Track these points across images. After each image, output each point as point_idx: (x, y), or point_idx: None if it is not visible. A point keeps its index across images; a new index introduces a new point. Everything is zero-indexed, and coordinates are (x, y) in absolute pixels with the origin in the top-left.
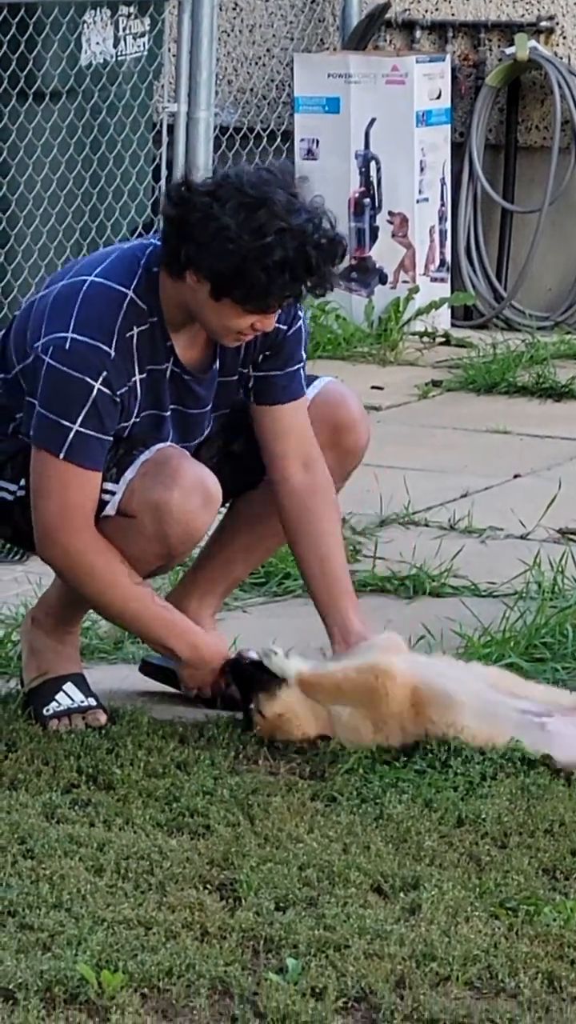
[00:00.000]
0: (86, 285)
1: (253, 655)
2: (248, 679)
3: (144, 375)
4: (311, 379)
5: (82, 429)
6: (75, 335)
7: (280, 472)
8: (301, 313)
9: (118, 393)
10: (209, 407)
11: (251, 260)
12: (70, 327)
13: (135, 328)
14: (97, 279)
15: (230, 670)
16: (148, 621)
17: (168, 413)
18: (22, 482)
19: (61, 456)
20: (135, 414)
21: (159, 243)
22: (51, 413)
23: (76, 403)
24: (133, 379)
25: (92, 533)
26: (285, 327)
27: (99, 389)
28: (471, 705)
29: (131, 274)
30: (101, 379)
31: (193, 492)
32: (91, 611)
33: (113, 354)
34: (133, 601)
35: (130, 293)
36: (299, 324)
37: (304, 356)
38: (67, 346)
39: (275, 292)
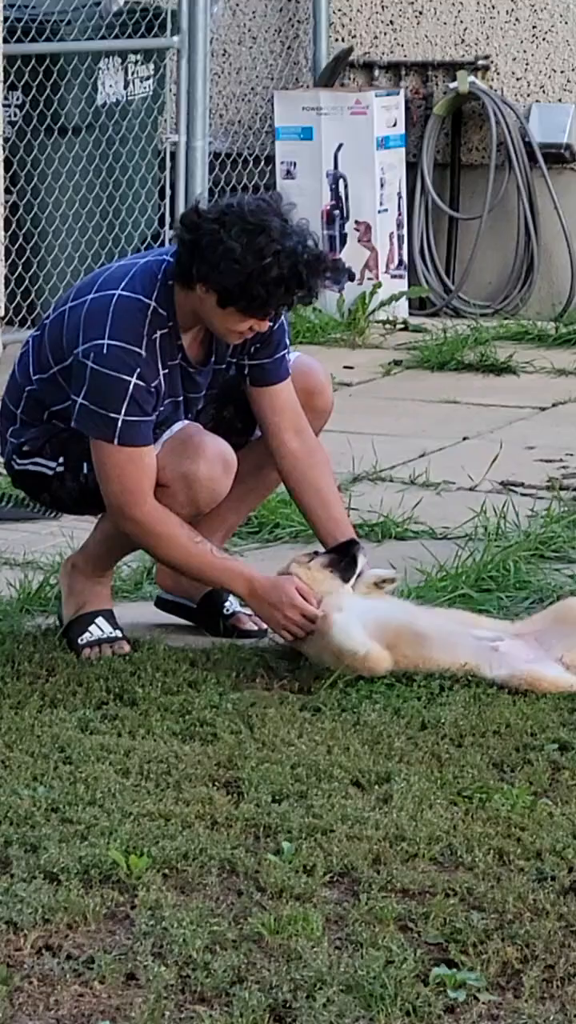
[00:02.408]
0: (115, 299)
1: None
2: None
3: (166, 371)
4: None
5: (127, 417)
6: (110, 341)
7: (278, 440)
8: (284, 309)
9: (152, 385)
10: (204, 391)
11: (253, 278)
12: (106, 335)
13: (158, 332)
14: (124, 292)
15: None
16: (209, 571)
17: (180, 398)
18: (60, 459)
19: (116, 443)
20: (162, 403)
21: (171, 259)
22: (98, 408)
23: (118, 397)
24: (161, 373)
25: (152, 505)
26: (271, 322)
27: (135, 383)
28: (436, 638)
29: (152, 287)
30: (136, 375)
31: (216, 461)
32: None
33: (144, 354)
34: (195, 558)
35: (152, 303)
36: (282, 318)
37: (288, 343)
38: (105, 351)
39: (273, 303)
